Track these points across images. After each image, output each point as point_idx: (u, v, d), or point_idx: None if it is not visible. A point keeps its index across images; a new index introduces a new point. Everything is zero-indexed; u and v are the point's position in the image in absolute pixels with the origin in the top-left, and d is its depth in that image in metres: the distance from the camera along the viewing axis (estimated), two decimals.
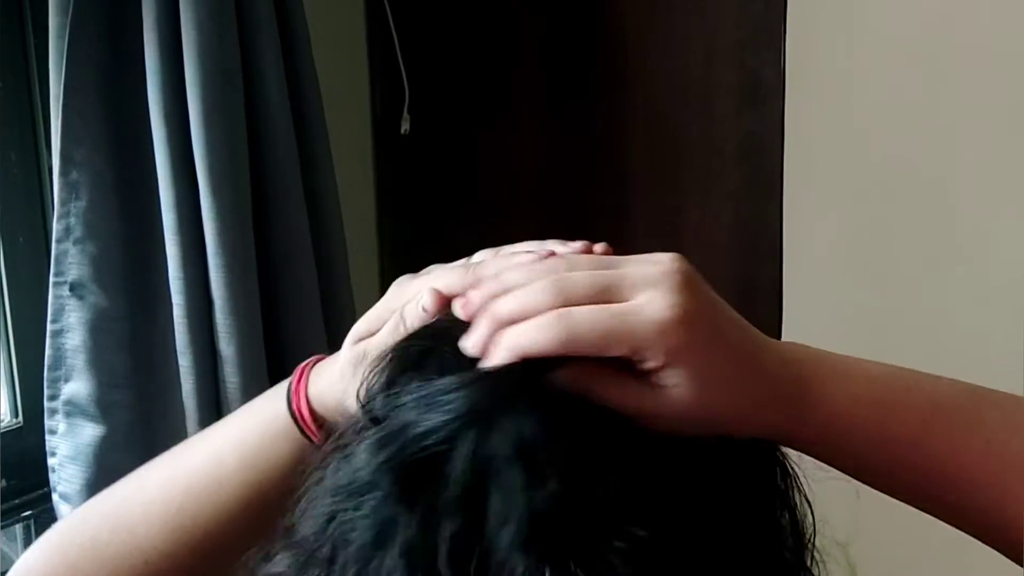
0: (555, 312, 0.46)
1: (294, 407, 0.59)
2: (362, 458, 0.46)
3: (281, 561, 0.48)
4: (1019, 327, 1.24)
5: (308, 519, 0.48)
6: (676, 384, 0.46)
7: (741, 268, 1.44)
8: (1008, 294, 1.26)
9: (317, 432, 0.59)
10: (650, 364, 0.46)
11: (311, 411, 0.59)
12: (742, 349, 0.49)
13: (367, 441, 0.47)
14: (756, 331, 0.51)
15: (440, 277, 0.55)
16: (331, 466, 0.48)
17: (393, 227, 1.70)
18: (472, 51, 1.61)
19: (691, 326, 0.46)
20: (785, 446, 0.52)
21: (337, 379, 0.58)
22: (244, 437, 0.61)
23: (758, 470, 0.50)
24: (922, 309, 1.32)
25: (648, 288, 0.46)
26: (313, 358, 0.62)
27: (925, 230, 1.31)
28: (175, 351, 1.19)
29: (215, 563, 0.60)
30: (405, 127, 1.61)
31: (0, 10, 1.23)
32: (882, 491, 0.54)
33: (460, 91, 1.63)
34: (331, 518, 0.46)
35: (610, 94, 1.50)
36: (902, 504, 0.55)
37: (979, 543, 0.54)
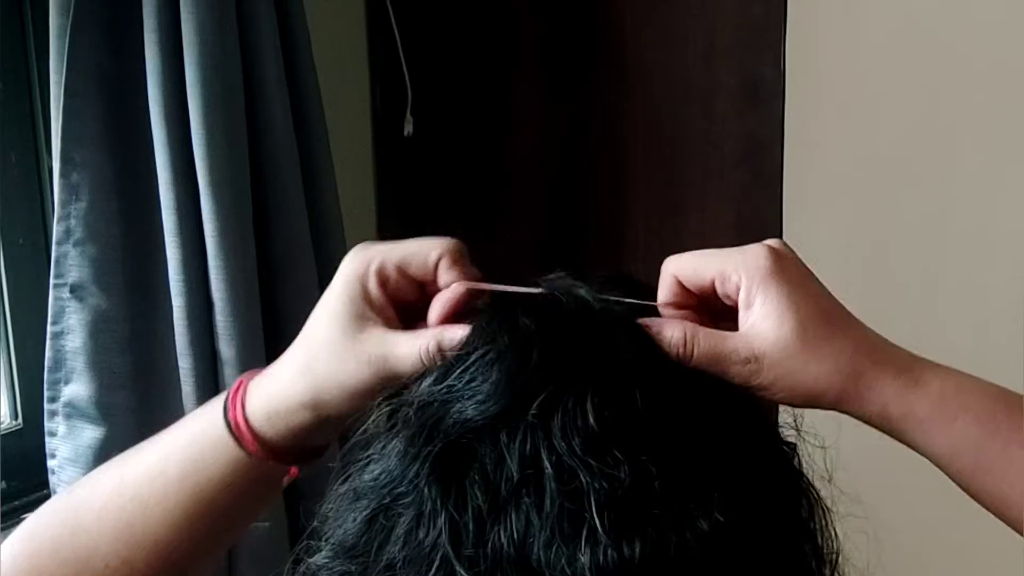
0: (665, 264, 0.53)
1: (229, 417, 0.58)
2: (396, 452, 0.47)
3: (323, 562, 0.48)
4: (1019, 327, 1.24)
5: (346, 519, 0.48)
6: (759, 314, 0.50)
7: None
8: (1008, 294, 1.26)
9: (254, 443, 0.57)
10: (740, 286, 0.50)
11: (247, 422, 0.57)
12: (832, 306, 0.53)
13: (400, 436, 0.48)
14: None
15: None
16: (359, 465, 0.49)
17: (393, 228, 1.69)
18: (473, 52, 1.61)
19: (780, 257, 0.51)
20: (893, 425, 0.52)
21: (295, 376, 0.57)
22: (184, 449, 0.60)
23: (780, 499, 0.50)
24: (922, 309, 1.32)
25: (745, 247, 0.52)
26: (250, 372, 0.60)
27: (925, 230, 1.31)
28: (175, 353, 1.19)
29: (174, 567, 0.60)
30: (408, 129, 1.61)
31: (0, 10, 1.23)
32: (986, 496, 0.52)
33: (461, 92, 1.63)
34: (373, 516, 0.47)
35: (610, 95, 1.50)
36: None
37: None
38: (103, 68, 1.16)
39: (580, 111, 1.53)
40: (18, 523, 1.23)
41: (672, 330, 0.50)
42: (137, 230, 1.20)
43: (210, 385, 1.19)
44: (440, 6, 1.62)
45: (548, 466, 0.44)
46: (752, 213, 1.42)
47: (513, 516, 0.43)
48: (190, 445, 0.59)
